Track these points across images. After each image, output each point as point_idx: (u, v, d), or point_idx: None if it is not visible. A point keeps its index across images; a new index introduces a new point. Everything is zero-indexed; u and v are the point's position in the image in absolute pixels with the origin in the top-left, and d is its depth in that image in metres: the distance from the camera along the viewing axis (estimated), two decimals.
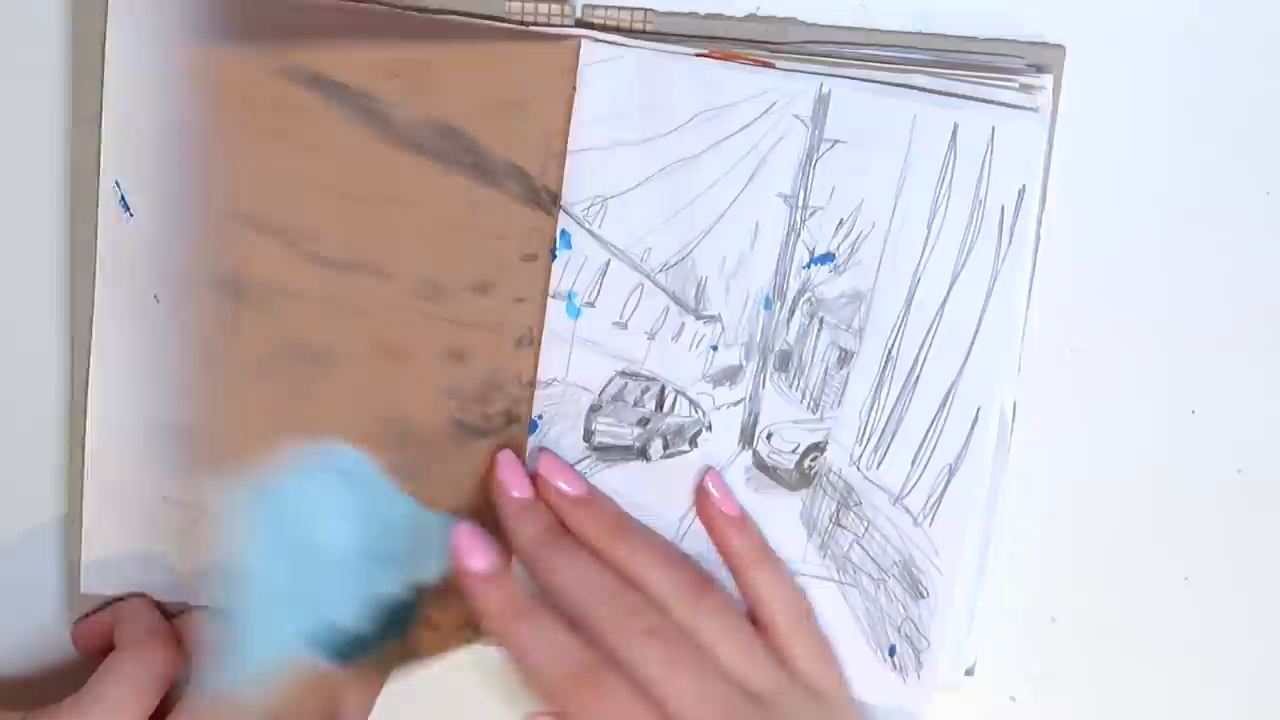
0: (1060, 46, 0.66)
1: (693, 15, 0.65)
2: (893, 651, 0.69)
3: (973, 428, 0.66)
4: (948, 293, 0.65)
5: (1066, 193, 0.67)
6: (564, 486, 0.67)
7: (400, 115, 0.63)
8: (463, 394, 0.67)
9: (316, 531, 0.64)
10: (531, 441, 0.68)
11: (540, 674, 0.62)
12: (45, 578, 0.69)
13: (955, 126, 0.64)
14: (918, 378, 0.66)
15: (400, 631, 0.67)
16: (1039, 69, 0.65)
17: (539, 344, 0.67)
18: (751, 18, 0.65)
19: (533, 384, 0.68)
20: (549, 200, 0.66)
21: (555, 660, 0.62)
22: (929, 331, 0.66)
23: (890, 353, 0.66)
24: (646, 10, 0.65)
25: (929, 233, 0.65)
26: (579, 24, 0.65)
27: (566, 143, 0.65)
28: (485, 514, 0.67)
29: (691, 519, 0.68)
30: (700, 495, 0.67)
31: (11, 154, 0.65)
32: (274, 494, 0.64)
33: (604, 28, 0.65)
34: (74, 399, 0.66)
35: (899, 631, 0.68)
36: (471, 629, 0.69)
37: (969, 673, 0.70)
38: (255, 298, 0.64)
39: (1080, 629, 0.72)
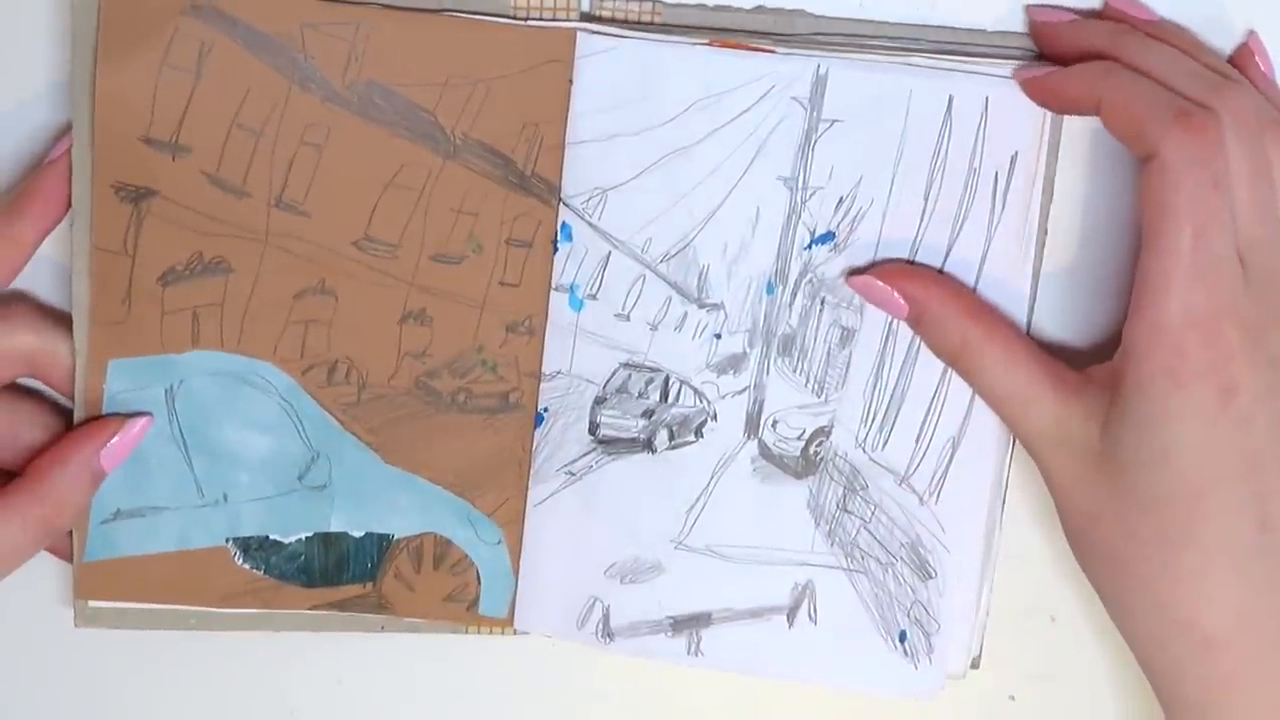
0: None
1: (701, 7, 0.63)
2: (903, 637, 0.65)
3: (973, 397, 0.63)
4: (944, 261, 0.62)
5: (1066, 187, 0.64)
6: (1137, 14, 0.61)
7: (323, 68, 0.62)
8: (429, 358, 0.65)
9: (212, 431, 0.65)
10: (538, 434, 0.65)
11: (1137, 114, 0.57)
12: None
13: (950, 99, 0.61)
14: (918, 349, 0.63)
15: (357, 570, 0.66)
16: (1042, 59, 0.62)
17: (542, 335, 0.65)
18: (760, 9, 0.63)
19: (536, 375, 0.65)
20: (543, 189, 0.64)
21: (1156, 102, 0.57)
22: None
23: (891, 326, 0.63)
24: (655, 3, 0.63)
25: (926, 204, 0.62)
26: (585, 18, 0.63)
27: (564, 134, 0.63)
28: (456, 487, 0.66)
29: (699, 511, 0.65)
30: None
31: None
32: (176, 385, 0.64)
33: (612, 21, 0.63)
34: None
35: (909, 615, 0.65)
36: (459, 606, 0.66)
37: (975, 665, 0.66)
38: (156, 209, 0.63)
39: (1080, 629, 0.68)
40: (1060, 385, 0.60)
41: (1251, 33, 0.63)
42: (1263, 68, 0.62)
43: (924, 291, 0.62)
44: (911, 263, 0.63)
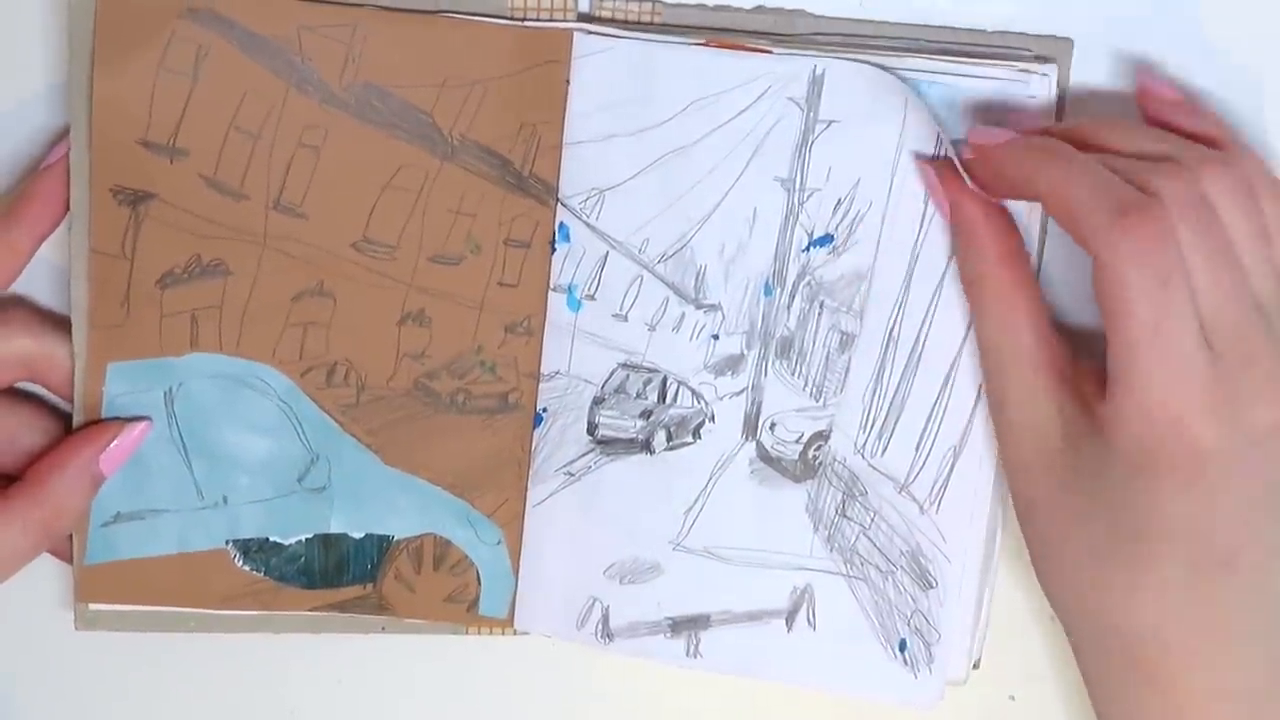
0: (1068, 40, 0.62)
1: (701, 7, 0.62)
2: (903, 646, 0.64)
3: (975, 406, 0.62)
4: (946, 267, 0.61)
5: None
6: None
7: (320, 70, 0.62)
8: (428, 359, 0.64)
9: (212, 434, 0.64)
10: (537, 435, 0.65)
11: (1074, 212, 0.55)
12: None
13: (938, 135, 0.60)
14: (919, 357, 0.62)
15: (357, 571, 0.66)
16: (1042, 60, 0.62)
17: (541, 335, 0.64)
18: (759, 10, 0.62)
19: (535, 375, 0.64)
20: (541, 190, 0.63)
21: (1095, 195, 0.54)
22: (929, 308, 0.62)
23: (891, 333, 0.62)
24: (655, 3, 0.62)
25: (925, 207, 0.61)
26: (585, 18, 0.62)
27: (562, 135, 0.62)
28: (455, 488, 0.65)
29: (698, 512, 0.64)
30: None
31: None
32: (175, 388, 0.64)
33: (612, 21, 0.62)
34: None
35: (909, 625, 0.64)
36: (459, 606, 0.66)
37: (976, 666, 0.65)
38: (154, 212, 0.62)
39: None
40: (1047, 370, 0.58)
41: (1142, 66, 0.62)
42: (1170, 96, 0.61)
43: (971, 216, 0.59)
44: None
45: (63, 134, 0.62)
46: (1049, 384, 0.58)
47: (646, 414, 0.64)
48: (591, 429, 0.65)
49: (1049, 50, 0.62)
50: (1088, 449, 0.56)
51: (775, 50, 0.61)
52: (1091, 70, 0.63)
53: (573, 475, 0.65)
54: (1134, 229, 0.53)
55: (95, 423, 0.63)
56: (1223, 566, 0.55)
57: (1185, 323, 0.54)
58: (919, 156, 0.61)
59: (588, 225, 0.63)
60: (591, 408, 0.65)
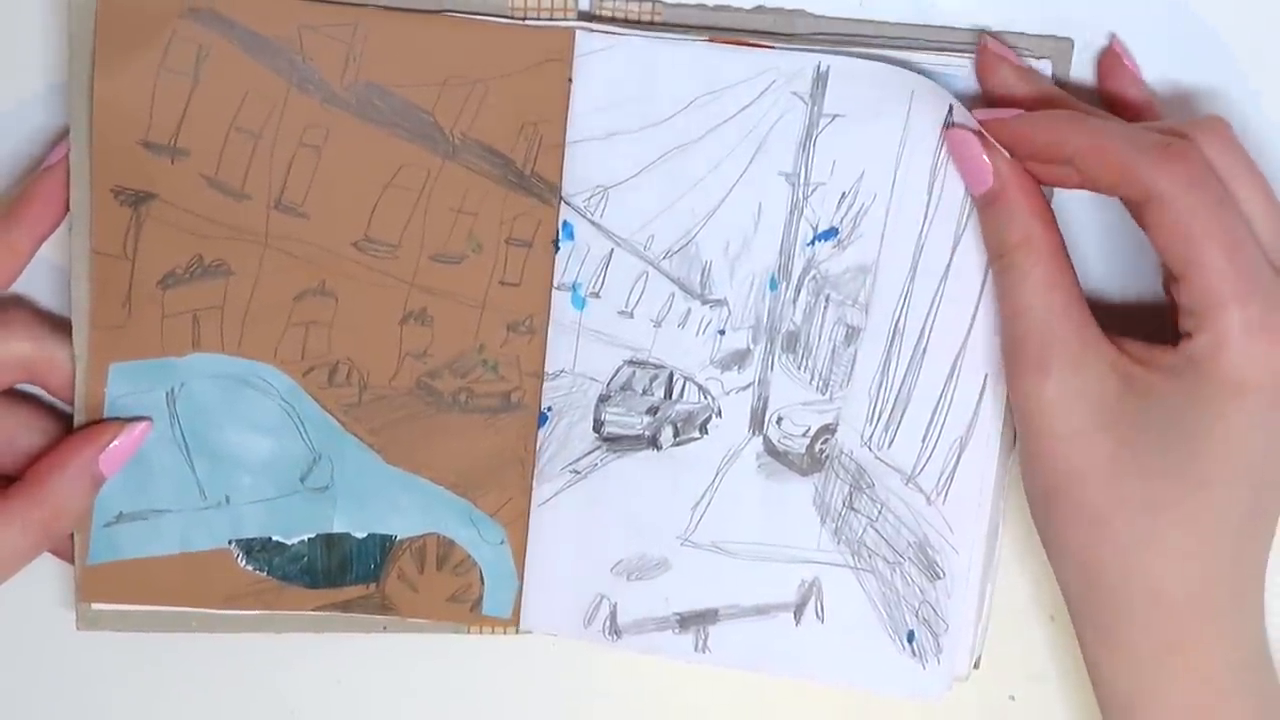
0: (1068, 40, 0.62)
1: (700, 7, 0.62)
2: (911, 638, 0.64)
3: (981, 396, 0.62)
4: (950, 259, 0.61)
5: None
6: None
7: (321, 70, 0.61)
8: (430, 359, 0.64)
9: (214, 434, 0.64)
10: (542, 433, 0.64)
11: (1116, 158, 0.55)
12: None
13: (951, 108, 0.60)
14: (925, 349, 0.62)
15: (360, 571, 0.65)
16: (1042, 59, 0.62)
17: (544, 334, 0.64)
18: (760, 9, 0.62)
19: (537, 374, 0.64)
20: (544, 189, 0.63)
21: (1133, 142, 0.55)
22: (934, 300, 0.62)
23: (897, 325, 0.62)
24: (655, 2, 0.62)
25: (929, 199, 0.61)
26: (585, 17, 0.62)
27: (564, 133, 0.62)
28: (458, 488, 0.65)
29: (705, 507, 0.64)
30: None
31: None
32: (177, 388, 0.63)
33: (612, 20, 0.62)
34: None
35: (917, 616, 0.64)
36: (462, 606, 0.65)
37: (976, 665, 0.65)
38: (155, 212, 0.62)
39: None
40: (1093, 326, 0.58)
41: (1113, 36, 0.62)
42: (1130, 67, 0.62)
43: (1012, 179, 0.59)
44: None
45: (63, 134, 0.62)
46: (1098, 340, 0.57)
47: (653, 410, 0.64)
48: (597, 426, 0.64)
49: (1049, 50, 0.62)
50: (1155, 397, 0.56)
51: (777, 45, 0.61)
52: (1091, 70, 0.63)
53: (579, 473, 0.65)
54: (1181, 156, 0.54)
55: (95, 423, 0.63)
56: (1267, 514, 0.57)
57: (1251, 238, 0.55)
58: (947, 125, 0.60)
59: (592, 223, 0.63)
60: (597, 405, 0.64)
